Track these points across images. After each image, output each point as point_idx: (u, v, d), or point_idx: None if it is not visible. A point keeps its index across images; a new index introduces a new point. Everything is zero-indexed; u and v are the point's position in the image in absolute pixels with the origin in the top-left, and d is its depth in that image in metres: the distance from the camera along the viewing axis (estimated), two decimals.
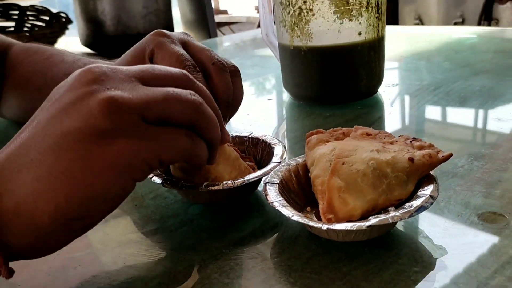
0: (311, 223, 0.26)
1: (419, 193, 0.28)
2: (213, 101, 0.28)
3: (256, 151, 0.38)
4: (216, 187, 0.30)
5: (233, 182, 0.31)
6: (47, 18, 1.54)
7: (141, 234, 0.31)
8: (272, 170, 0.32)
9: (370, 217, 0.26)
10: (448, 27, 0.92)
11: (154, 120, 0.23)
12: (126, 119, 0.22)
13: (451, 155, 0.29)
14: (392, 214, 0.25)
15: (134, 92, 0.23)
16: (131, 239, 0.31)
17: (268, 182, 0.31)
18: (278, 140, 0.37)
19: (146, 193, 0.36)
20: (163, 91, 0.24)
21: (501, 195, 0.31)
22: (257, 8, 1.97)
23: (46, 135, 0.22)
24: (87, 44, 1.58)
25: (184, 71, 0.27)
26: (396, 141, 0.33)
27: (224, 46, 1.08)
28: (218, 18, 1.98)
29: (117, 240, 0.30)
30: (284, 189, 0.31)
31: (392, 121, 0.47)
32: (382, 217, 0.25)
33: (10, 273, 0.22)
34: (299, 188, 0.33)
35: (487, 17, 1.86)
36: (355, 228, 0.25)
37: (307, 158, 0.33)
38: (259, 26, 1.90)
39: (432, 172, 0.30)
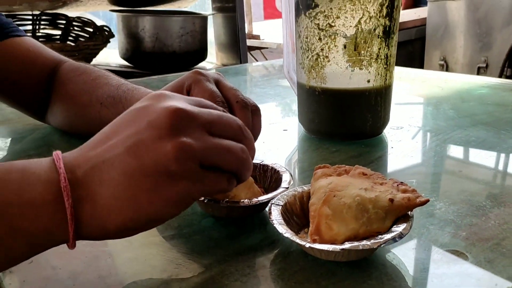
0: (297, 240, 0.32)
1: (393, 228, 0.33)
2: (253, 146, 0.33)
3: (265, 177, 0.44)
4: (235, 204, 0.37)
5: (249, 201, 0.37)
6: (91, 30, 1.65)
7: (161, 238, 0.37)
8: (280, 194, 0.38)
9: (346, 242, 0.31)
10: (463, 76, 0.97)
11: (209, 166, 0.29)
12: (191, 166, 0.28)
13: (427, 201, 0.35)
14: (363, 242, 0.31)
15: (202, 142, 0.28)
16: (152, 241, 0.37)
17: (274, 203, 0.37)
18: (286, 168, 0.43)
19: None
20: (223, 146, 0.30)
21: (467, 236, 0.36)
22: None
23: (125, 161, 0.28)
24: (125, 58, 1.67)
25: (241, 124, 0.32)
26: (386, 183, 0.38)
27: (252, 73, 1.16)
28: (250, 42, 2.07)
29: (141, 241, 0.37)
30: (287, 211, 0.37)
31: (391, 160, 0.53)
32: (355, 243, 0.31)
33: (73, 247, 0.29)
34: (301, 212, 0.38)
35: (511, 63, 1.89)
36: (331, 250, 0.30)
37: (311, 187, 0.39)
38: None
39: (410, 212, 0.35)
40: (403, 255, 0.34)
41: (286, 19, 0.64)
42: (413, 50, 2.33)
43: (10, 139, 0.66)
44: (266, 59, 2.38)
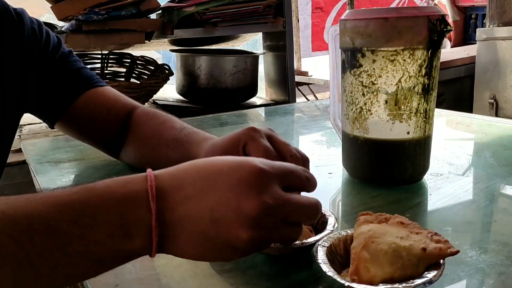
0: (338, 279, 0.37)
1: (424, 274, 0.38)
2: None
3: None
4: (288, 245, 0.43)
5: (299, 243, 0.43)
6: (152, 68, 1.80)
7: (221, 269, 0.44)
8: (326, 236, 0.44)
9: (381, 284, 0.36)
10: (507, 121, 0.99)
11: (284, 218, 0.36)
12: (269, 221, 0.34)
13: (457, 252, 0.39)
14: (396, 285, 0.36)
15: (280, 199, 0.35)
16: (213, 272, 0.44)
17: (320, 244, 0.42)
18: (331, 212, 0.49)
19: None
20: (300, 202, 0.36)
21: (494, 285, 0.40)
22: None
23: (206, 227, 0.34)
24: (181, 93, 1.80)
25: (312, 177, 0.39)
26: (421, 232, 0.43)
27: (299, 114, 1.23)
28: (298, 78, 2.15)
29: (204, 271, 0.43)
30: (332, 252, 0.43)
31: (429, 207, 0.57)
32: (389, 286, 0.36)
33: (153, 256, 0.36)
34: (344, 253, 0.44)
35: None
36: None
37: (354, 232, 0.44)
38: None
39: (442, 260, 0.39)
40: None
41: (333, 74, 0.71)
42: (462, 88, 2.32)
43: (89, 172, 0.76)
44: (313, 93, 2.45)
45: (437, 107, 0.64)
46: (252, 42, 2.16)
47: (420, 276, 0.38)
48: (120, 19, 1.47)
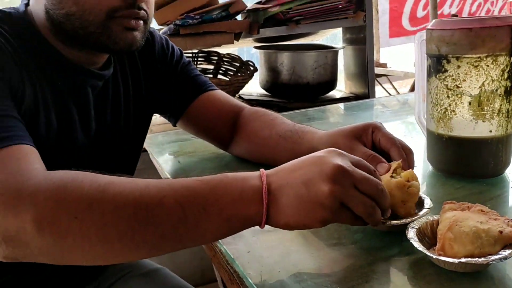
0: (428, 253, 0.46)
1: (500, 251, 0.46)
2: (386, 204, 0.51)
3: None
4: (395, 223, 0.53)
5: (404, 221, 0.53)
6: (238, 64, 1.94)
7: (328, 243, 0.55)
8: (425, 215, 0.53)
9: (463, 258, 0.45)
10: None
11: (347, 207, 0.48)
12: (336, 204, 0.46)
13: None
14: (476, 259, 0.44)
15: (348, 192, 0.47)
16: (322, 246, 0.54)
17: (410, 226, 0.52)
18: (425, 195, 0.58)
19: None
20: (361, 199, 0.47)
21: None
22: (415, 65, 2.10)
23: (299, 188, 0.47)
24: (265, 88, 1.92)
25: (382, 187, 0.50)
26: (499, 219, 0.50)
27: (381, 108, 1.29)
28: (377, 70, 2.18)
29: (314, 245, 0.54)
30: (420, 233, 0.52)
31: (510, 199, 0.63)
32: (470, 259, 0.44)
33: (263, 227, 0.48)
34: (431, 235, 0.52)
35: None
36: (452, 261, 0.45)
37: (440, 217, 0.53)
38: (413, 85, 2.05)
39: None
40: (509, 272, 0.46)
41: (418, 75, 0.78)
42: None
43: (203, 163, 0.90)
44: (392, 85, 2.46)
45: None
46: (331, 35, 2.22)
47: (496, 253, 0.46)
48: (212, 22, 1.62)
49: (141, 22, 0.67)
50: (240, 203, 0.47)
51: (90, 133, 0.72)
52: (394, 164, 0.58)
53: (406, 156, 0.63)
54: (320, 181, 0.46)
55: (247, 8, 1.67)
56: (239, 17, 1.76)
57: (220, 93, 0.87)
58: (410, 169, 0.58)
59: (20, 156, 0.50)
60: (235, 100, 0.88)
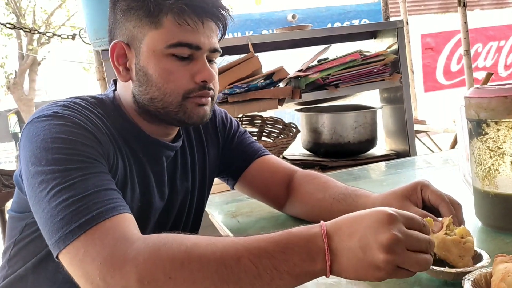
0: None
1: None
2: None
3: None
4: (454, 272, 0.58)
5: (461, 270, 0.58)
6: (280, 126, 2.05)
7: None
8: (479, 269, 0.58)
9: None
10: None
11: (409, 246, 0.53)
12: (390, 267, 0.53)
13: None
14: None
15: (404, 233, 0.53)
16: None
17: (466, 278, 0.56)
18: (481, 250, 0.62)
19: None
20: (413, 259, 0.53)
21: None
22: (455, 121, 2.14)
23: (356, 252, 0.54)
24: (307, 148, 2.01)
25: (430, 242, 0.56)
26: None
27: (424, 166, 1.34)
28: (416, 127, 2.23)
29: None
30: (476, 284, 0.56)
31: None
32: None
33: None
34: (485, 285, 0.57)
35: None
36: None
37: (492, 269, 0.57)
38: (455, 140, 2.08)
39: None
40: None
41: (460, 137, 0.84)
42: None
43: (261, 222, 0.98)
44: (432, 141, 2.49)
45: None
46: (369, 93, 2.31)
47: None
48: (257, 90, 1.75)
49: (210, 98, 0.79)
50: (307, 262, 0.55)
51: (164, 197, 0.82)
52: (445, 221, 0.64)
53: (455, 211, 0.69)
54: (376, 250, 0.53)
55: (289, 76, 1.80)
56: (281, 84, 1.89)
57: (273, 157, 0.96)
58: (463, 226, 0.63)
59: (124, 224, 0.60)
60: (287, 164, 0.96)
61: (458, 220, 0.69)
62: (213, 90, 0.79)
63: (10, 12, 9.01)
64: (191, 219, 0.90)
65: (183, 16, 0.73)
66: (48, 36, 4.14)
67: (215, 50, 0.78)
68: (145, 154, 0.79)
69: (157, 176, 0.81)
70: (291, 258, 0.55)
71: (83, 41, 2.32)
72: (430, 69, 6.40)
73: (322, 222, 0.57)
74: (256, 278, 0.54)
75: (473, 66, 2.82)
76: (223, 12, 0.77)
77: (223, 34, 0.81)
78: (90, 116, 0.71)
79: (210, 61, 0.79)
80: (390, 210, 0.55)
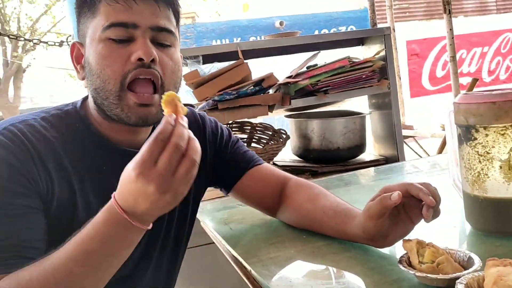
0: None
1: None
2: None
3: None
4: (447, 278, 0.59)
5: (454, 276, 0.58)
6: (270, 133, 2.05)
7: None
8: (472, 273, 0.59)
9: None
10: None
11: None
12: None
13: None
14: None
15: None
16: None
17: (459, 282, 0.57)
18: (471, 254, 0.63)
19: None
20: None
21: None
22: (442, 126, 2.17)
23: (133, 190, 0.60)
24: (297, 154, 2.01)
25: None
26: None
27: (414, 171, 1.36)
28: (404, 132, 2.26)
29: None
30: (468, 287, 0.57)
31: None
32: None
33: None
34: None
35: None
36: None
37: (484, 273, 0.58)
38: (442, 145, 2.11)
39: None
40: None
41: (450, 142, 0.86)
42: None
43: (254, 229, 0.98)
44: (420, 145, 2.52)
45: None
46: (356, 101, 2.33)
47: None
48: (247, 96, 1.76)
49: (156, 96, 0.73)
50: (123, 229, 0.62)
51: None
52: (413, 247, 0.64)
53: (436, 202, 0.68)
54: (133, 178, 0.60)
55: (278, 82, 1.81)
56: (271, 91, 1.90)
57: (266, 166, 0.96)
58: (431, 245, 0.64)
59: None
60: (280, 172, 0.96)
61: (435, 212, 0.68)
62: (158, 72, 0.73)
63: None
64: (172, 232, 0.87)
65: None
66: (34, 43, 4.10)
67: (161, 29, 0.73)
68: (109, 166, 0.76)
69: None
70: (111, 240, 0.61)
71: None
72: (415, 74, 6.49)
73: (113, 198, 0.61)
74: (97, 272, 0.60)
75: (458, 71, 2.87)
76: None
77: (176, 12, 0.77)
78: (24, 145, 0.69)
79: (161, 44, 0.74)
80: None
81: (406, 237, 0.68)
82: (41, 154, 0.71)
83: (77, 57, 0.78)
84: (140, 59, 0.71)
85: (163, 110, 0.69)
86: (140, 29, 0.72)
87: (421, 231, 0.71)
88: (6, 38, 8.86)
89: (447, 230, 0.81)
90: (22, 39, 4.01)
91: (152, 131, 0.79)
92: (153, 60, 0.72)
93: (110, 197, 0.74)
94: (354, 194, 1.13)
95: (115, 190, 0.73)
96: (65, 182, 0.72)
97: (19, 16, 9.18)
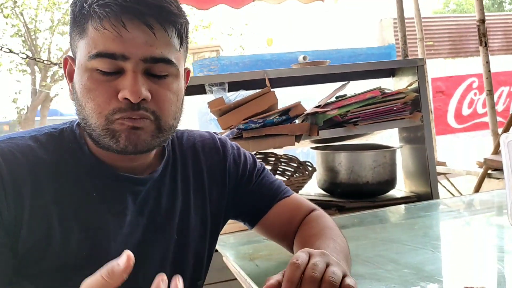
0: None
1: None
2: None
3: None
4: None
5: None
6: (295, 165, 1.97)
7: None
8: None
9: None
10: None
11: None
12: None
13: None
14: None
15: None
16: None
17: None
18: None
19: None
20: None
21: None
22: (479, 164, 2.06)
23: None
24: (323, 188, 1.92)
25: None
26: None
27: (452, 210, 1.25)
28: (437, 169, 2.14)
29: None
30: None
31: None
32: None
33: None
34: None
35: None
36: None
37: None
38: (479, 183, 1.98)
39: None
40: None
41: (508, 176, 0.76)
42: None
43: (280, 267, 0.88)
44: (452, 184, 2.39)
45: None
46: (387, 134, 2.24)
47: None
48: (273, 125, 1.69)
49: (147, 121, 0.65)
50: None
51: (132, 240, 0.71)
52: None
53: None
54: None
55: (306, 112, 1.74)
56: (297, 120, 1.84)
57: (294, 198, 0.87)
58: None
59: None
60: (308, 204, 0.87)
61: None
62: (151, 111, 0.64)
63: (26, 49, 9.24)
64: (187, 270, 0.77)
65: (101, 20, 0.61)
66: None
67: (156, 60, 0.64)
68: (101, 192, 0.68)
69: (117, 217, 0.69)
70: None
71: None
72: (441, 112, 6.38)
73: None
74: None
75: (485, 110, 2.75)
76: (160, 7, 0.62)
77: (181, 37, 0.66)
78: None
79: (156, 76, 0.65)
80: None
81: (469, 285, 0.58)
82: (16, 177, 0.63)
83: (70, 73, 0.70)
84: (125, 99, 0.63)
85: (157, 137, 0.64)
86: (131, 61, 0.62)
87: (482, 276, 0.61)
88: (36, 68, 9.16)
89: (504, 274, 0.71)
90: (50, 63, 4.08)
91: (157, 156, 0.73)
92: (144, 98, 0.64)
93: (94, 227, 0.66)
94: (391, 232, 1.03)
95: (102, 220, 0.66)
96: (40, 209, 0.64)
97: (50, 47, 9.51)
